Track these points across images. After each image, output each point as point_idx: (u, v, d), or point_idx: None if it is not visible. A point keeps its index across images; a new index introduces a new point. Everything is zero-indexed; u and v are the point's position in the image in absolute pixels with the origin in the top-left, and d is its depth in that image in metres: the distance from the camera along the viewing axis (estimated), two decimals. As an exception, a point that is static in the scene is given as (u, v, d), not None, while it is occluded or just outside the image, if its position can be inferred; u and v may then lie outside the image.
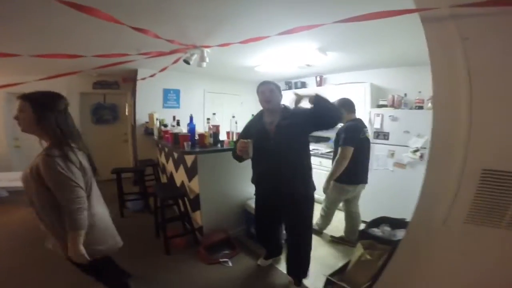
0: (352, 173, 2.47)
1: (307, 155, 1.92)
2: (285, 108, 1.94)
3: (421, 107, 3.11)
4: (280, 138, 1.82)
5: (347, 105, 2.54)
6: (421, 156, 2.84)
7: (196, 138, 2.53)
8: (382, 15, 1.25)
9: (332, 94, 3.91)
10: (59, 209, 1.16)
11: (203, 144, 2.51)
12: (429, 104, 2.97)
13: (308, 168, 1.93)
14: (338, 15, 1.44)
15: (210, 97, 5.13)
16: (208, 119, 2.64)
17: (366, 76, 3.87)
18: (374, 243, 1.94)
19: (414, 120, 2.96)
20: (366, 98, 3.61)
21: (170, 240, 2.52)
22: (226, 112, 4.86)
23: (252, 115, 2.20)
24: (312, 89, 4.49)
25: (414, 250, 1.34)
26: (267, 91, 1.88)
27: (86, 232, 1.19)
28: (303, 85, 4.76)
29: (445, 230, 1.21)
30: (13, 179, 3.16)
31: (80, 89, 4.72)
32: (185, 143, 2.38)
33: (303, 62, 3.69)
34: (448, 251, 1.22)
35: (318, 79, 4.43)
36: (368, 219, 2.33)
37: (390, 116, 3.13)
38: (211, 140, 2.54)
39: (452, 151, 1.16)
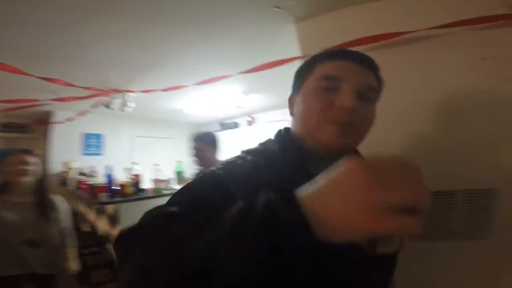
0: None
1: None
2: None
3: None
4: None
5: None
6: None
7: (116, 188, 2.69)
8: (272, 65, 1.63)
9: (262, 133, 4.45)
10: None
11: (124, 194, 2.65)
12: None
13: None
14: (245, 66, 1.81)
15: (140, 142, 5.07)
16: (129, 168, 2.86)
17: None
18: None
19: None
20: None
21: (98, 287, 2.53)
22: (159, 157, 4.68)
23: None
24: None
25: None
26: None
27: None
28: (236, 125, 5.17)
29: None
30: None
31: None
32: (101, 194, 2.53)
33: (233, 104, 4.10)
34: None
35: (249, 119, 4.91)
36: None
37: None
38: (132, 189, 2.70)
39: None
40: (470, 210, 1.21)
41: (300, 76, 0.63)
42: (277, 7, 1.40)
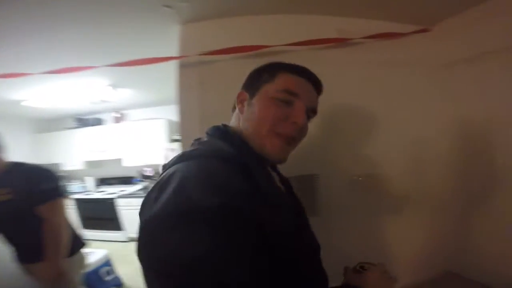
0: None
1: None
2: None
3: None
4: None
5: None
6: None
7: None
8: (146, 62, 1.53)
9: (132, 131, 4.19)
10: None
11: None
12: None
13: None
14: (115, 59, 1.65)
15: None
16: None
17: (166, 111, 4.23)
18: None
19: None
20: (163, 134, 4.06)
21: None
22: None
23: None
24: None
25: None
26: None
27: None
28: (99, 122, 4.53)
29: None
30: None
31: None
32: None
33: (97, 97, 3.60)
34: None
35: (118, 115, 4.42)
36: None
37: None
38: None
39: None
40: (302, 192, 1.59)
41: (260, 78, 0.65)
42: (167, 6, 1.38)
